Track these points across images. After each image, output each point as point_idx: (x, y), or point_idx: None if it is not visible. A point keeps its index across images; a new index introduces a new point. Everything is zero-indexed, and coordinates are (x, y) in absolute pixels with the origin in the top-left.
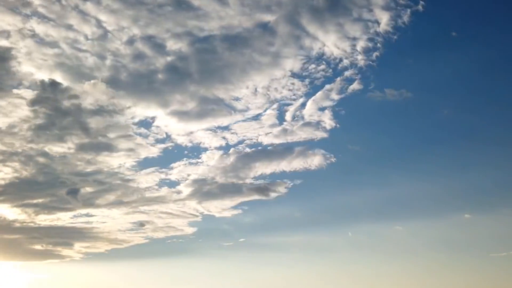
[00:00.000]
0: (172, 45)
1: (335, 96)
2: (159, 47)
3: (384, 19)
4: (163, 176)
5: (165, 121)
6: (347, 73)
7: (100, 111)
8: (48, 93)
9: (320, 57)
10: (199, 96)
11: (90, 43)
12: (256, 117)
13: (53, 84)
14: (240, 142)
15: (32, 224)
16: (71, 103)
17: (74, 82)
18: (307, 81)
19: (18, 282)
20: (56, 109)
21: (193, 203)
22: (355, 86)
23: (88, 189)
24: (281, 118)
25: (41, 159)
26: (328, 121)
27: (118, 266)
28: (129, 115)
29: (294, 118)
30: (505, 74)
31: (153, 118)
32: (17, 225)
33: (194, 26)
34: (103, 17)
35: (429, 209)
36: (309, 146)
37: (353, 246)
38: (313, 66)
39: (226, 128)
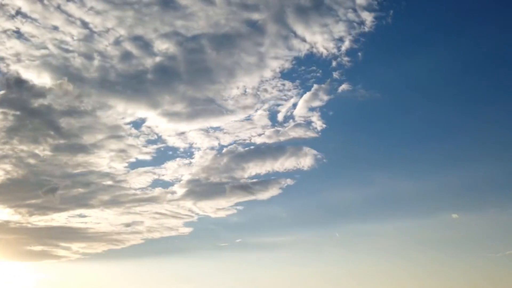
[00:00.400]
0: (160, 45)
1: (324, 97)
2: (146, 47)
3: (368, 19)
4: (156, 176)
5: (156, 121)
6: (335, 74)
7: (90, 111)
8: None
9: (309, 58)
10: (189, 97)
11: (76, 43)
12: (248, 118)
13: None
14: (233, 142)
15: (28, 225)
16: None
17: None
18: (297, 82)
19: (16, 283)
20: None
21: (188, 204)
22: (344, 86)
23: (81, 190)
24: (273, 118)
25: (31, 161)
26: (317, 121)
27: (115, 266)
28: (119, 116)
29: (285, 118)
30: (495, 71)
31: (144, 119)
32: (12, 225)
33: (181, 26)
34: (88, 18)
35: (418, 208)
36: (301, 146)
37: (349, 245)
38: (303, 67)
39: (218, 128)
